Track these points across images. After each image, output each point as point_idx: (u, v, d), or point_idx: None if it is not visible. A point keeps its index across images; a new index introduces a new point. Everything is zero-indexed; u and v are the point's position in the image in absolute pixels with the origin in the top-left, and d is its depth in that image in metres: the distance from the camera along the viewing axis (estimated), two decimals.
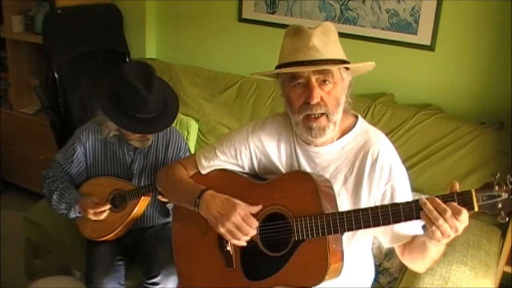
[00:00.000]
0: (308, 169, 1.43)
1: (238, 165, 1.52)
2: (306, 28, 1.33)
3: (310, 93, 1.30)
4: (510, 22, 2.06)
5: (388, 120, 2.22)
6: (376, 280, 1.85)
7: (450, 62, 2.24)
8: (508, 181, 1.14)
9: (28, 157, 3.16)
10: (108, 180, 2.00)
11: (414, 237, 1.36)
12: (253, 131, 1.50)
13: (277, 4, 2.60)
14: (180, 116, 2.50)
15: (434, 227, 1.16)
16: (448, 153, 2.09)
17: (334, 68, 1.32)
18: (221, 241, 1.45)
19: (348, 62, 1.35)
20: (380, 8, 2.33)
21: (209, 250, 1.49)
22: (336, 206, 1.36)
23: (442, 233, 1.16)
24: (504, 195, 1.14)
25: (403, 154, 1.68)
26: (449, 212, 1.15)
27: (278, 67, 1.37)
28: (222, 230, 1.37)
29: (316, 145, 1.41)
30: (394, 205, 1.23)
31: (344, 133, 1.42)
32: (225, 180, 1.50)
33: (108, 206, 1.90)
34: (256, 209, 1.39)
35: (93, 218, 1.89)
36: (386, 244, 1.44)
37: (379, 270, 1.97)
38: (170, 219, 2.09)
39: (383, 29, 2.35)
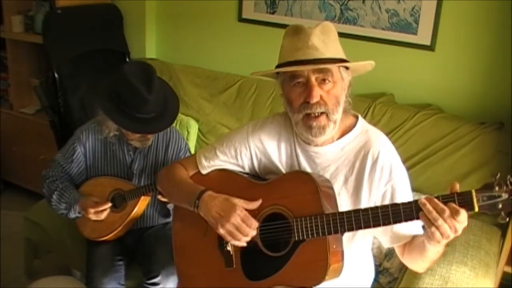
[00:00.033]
0: (308, 169, 1.43)
1: (239, 165, 1.52)
2: (306, 27, 1.33)
3: (309, 92, 1.30)
4: (510, 22, 2.06)
5: (388, 120, 2.22)
6: (376, 280, 1.85)
7: (450, 62, 2.24)
8: (508, 182, 1.14)
9: (28, 157, 3.15)
10: (108, 180, 2.00)
11: (414, 237, 1.36)
12: (253, 131, 1.50)
13: (277, 4, 2.60)
14: (180, 116, 2.50)
15: (433, 228, 1.16)
16: (448, 153, 2.09)
17: (333, 67, 1.32)
18: (221, 241, 1.45)
19: (347, 62, 1.35)
20: (380, 8, 2.33)
21: (209, 250, 1.49)
22: (336, 206, 1.36)
23: (442, 234, 1.16)
24: (504, 196, 1.14)
25: (403, 154, 1.67)
26: (447, 212, 1.15)
27: (278, 66, 1.37)
28: (221, 231, 1.37)
29: (316, 145, 1.41)
30: (394, 205, 1.23)
31: (344, 133, 1.42)
32: (225, 180, 1.50)
33: (109, 205, 1.90)
34: (255, 204, 1.39)
35: (94, 217, 1.89)
36: (386, 244, 1.44)
37: (379, 270, 1.97)
38: (170, 219, 2.09)
39: (383, 29, 2.35)
